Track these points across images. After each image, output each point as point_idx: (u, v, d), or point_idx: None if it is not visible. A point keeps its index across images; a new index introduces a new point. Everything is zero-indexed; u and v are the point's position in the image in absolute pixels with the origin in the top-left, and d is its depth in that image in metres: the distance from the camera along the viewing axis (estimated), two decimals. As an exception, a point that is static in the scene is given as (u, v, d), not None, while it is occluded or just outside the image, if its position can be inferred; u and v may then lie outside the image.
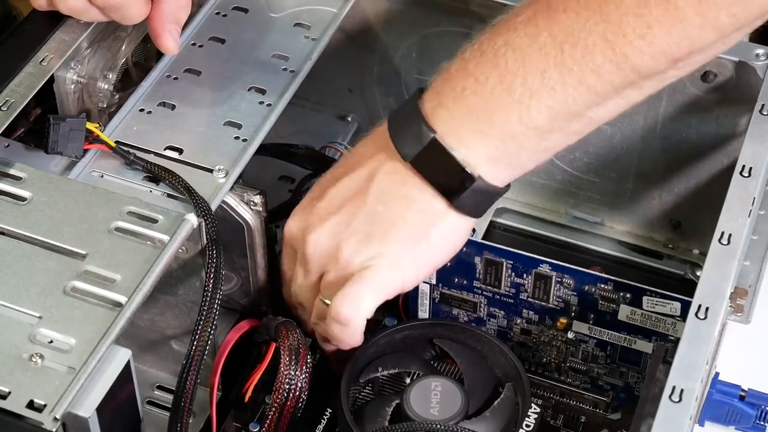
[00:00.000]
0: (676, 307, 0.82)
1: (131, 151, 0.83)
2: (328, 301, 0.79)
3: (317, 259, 0.80)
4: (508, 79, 0.73)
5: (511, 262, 0.87)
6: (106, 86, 0.90)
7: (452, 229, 0.78)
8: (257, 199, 0.83)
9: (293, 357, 0.80)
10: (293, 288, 0.83)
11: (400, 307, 0.93)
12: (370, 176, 0.78)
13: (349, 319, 0.78)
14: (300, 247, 0.81)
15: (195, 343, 0.76)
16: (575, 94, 0.73)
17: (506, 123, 0.74)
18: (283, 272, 0.85)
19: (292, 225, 0.82)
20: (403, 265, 0.78)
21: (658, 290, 0.83)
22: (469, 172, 0.75)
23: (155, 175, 0.81)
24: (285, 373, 0.80)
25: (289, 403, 0.80)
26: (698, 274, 0.98)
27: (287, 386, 0.80)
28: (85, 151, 0.83)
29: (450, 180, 0.76)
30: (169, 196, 0.81)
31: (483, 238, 0.99)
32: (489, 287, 0.89)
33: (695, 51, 0.71)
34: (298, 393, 0.80)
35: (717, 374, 0.81)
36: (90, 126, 0.83)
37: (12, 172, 0.81)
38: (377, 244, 0.78)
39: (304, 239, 0.80)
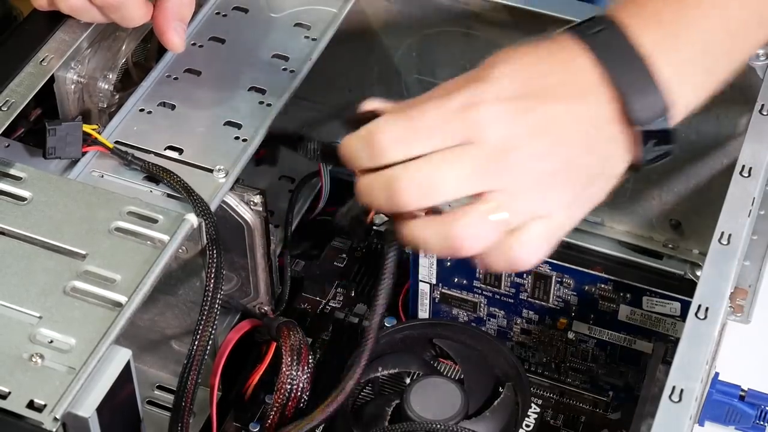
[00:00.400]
0: (676, 307, 0.82)
1: (130, 151, 0.83)
2: (500, 218, 0.67)
3: (514, 173, 0.68)
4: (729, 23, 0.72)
5: (511, 262, 0.87)
6: (106, 86, 0.90)
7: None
8: (257, 199, 0.83)
9: (295, 357, 0.80)
10: (429, 170, 0.68)
11: (399, 307, 0.93)
12: (582, 119, 0.69)
13: (530, 261, 0.70)
14: (497, 146, 0.68)
15: (196, 343, 0.76)
16: None
17: (723, 66, 0.73)
18: (421, 124, 0.69)
19: (496, 115, 0.68)
20: (578, 219, 0.72)
21: (658, 290, 0.83)
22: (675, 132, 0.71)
23: (154, 175, 0.81)
24: (287, 373, 0.80)
25: (290, 403, 0.80)
26: (698, 274, 0.98)
27: (289, 386, 0.80)
28: (85, 152, 0.83)
29: (660, 148, 0.71)
30: (169, 196, 0.81)
31: (483, 238, 0.99)
32: (489, 287, 0.89)
33: None
34: (299, 393, 0.80)
35: (717, 374, 0.81)
36: (87, 128, 0.82)
37: (12, 172, 0.81)
38: (574, 203, 0.70)
39: (510, 145, 0.68)
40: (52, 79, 0.87)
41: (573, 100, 0.70)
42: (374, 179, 0.69)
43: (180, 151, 0.84)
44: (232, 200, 0.83)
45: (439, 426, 0.79)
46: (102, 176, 0.82)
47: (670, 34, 0.71)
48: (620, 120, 0.70)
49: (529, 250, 0.69)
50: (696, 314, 0.72)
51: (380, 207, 0.70)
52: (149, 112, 0.87)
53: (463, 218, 0.67)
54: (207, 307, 0.77)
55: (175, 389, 0.77)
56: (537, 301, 0.88)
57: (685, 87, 0.72)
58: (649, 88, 0.70)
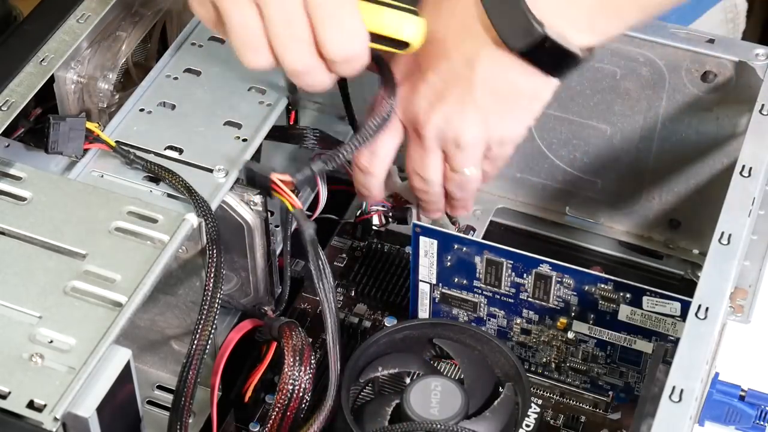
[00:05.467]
0: (676, 307, 0.82)
1: (131, 150, 0.83)
2: (458, 170, 0.83)
3: (437, 141, 0.82)
4: None
5: (512, 262, 0.87)
6: (106, 86, 0.90)
7: (547, 100, 0.81)
8: (257, 199, 0.83)
9: (297, 358, 0.80)
10: (410, 162, 0.85)
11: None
12: (470, 62, 0.79)
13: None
14: (415, 128, 0.83)
15: (195, 343, 0.76)
16: None
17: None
18: (375, 142, 0.84)
19: (402, 105, 0.83)
20: (518, 134, 0.83)
21: (657, 290, 0.83)
22: (576, 53, 0.77)
23: (155, 174, 0.81)
24: (289, 374, 0.80)
25: (292, 404, 0.80)
26: (698, 274, 0.98)
27: (291, 387, 0.80)
28: (85, 151, 0.83)
29: (557, 63, 0.78)
30: (169, 196, 0.81)
31: (483, 238, 0.99)
32: (489, 287, 0.89)
33: None
34: (301, 394, 0.80)
35: (717, 374, 0.81)
36: (90, 125, 0.83)
37: (12, 172, 0.81)
38: (494, 126, 0.81)
39: (419, 123, 0.82)
40: (52, 79, 0.87)
41: (456, 51, 0.79)
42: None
43: (180, 151, 0.84)
44: (232, 200, 0.83)
45: (439, 426, 0.79)
46: (102, 176, 0.82)
47: None
48: (502, 47, 0.77)
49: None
50: (696, 314, 0.72)
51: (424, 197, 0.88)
52: (149, 112, 0.87)
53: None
54: (206, 307, 0.77)
55: (174, 389, 0.77)
56: (537, 301, 0.88)
57: (567, 22, 0.76)
58: (517, 17, 0.76)
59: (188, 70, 0.90)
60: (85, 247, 0.76)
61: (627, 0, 0.78)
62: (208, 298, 0.77)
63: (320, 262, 0.80)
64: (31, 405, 0.68)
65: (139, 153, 0.83)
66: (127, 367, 0.72)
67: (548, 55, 0.77)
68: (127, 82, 0.93)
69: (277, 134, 0.92)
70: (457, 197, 0.86)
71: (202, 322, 0.77)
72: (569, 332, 0.88)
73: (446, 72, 0.80)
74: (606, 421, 0.90)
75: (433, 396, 0.81)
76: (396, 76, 0.83)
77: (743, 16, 1.18)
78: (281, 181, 0.81)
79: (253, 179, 0.82)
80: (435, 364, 0.88)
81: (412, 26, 0.76)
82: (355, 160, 0.86)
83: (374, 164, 0.85)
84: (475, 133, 0.81)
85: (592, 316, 0.86)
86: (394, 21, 0.76)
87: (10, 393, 0.68)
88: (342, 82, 0.95)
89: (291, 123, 0.96)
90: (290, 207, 0.81)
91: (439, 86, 0.80)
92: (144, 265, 0.75)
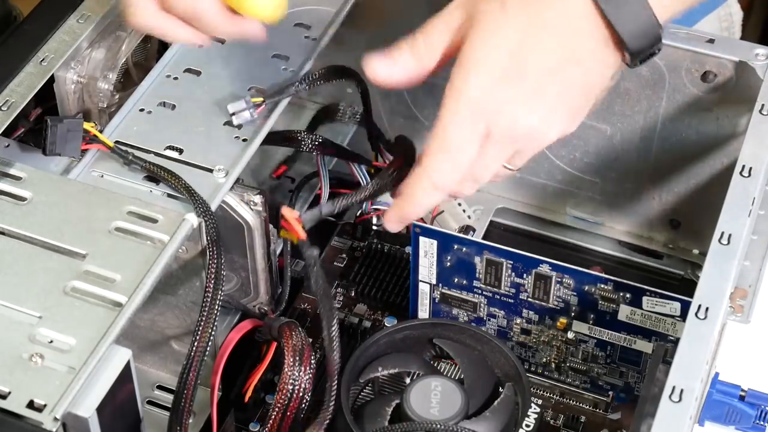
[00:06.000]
0: (676, 307, 0.82)
1: (130, 151, 0.83)
2: (513, 168, 0.79)
3: (524, 141, 0.77)
4: None
5: (511, 262, 0.87)
6: (106, 86, 0.90)
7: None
8: (257, 199, 0.83)
9: (297, 358, 0.80)
10: (479, 164, 0.77)
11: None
12: (577, 62, 0.75)
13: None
14: (507, 127, 0.75)
15: (195, 343, 0.76)
16: None
17: None
18: (459, 148, 0.76)
19: (494, 103, 0.75)
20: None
21: (657, 290, 0.83)
22: (660, 32, 0.75)
23: (155, 175, 0.81)
24: (289, 374, 0.80)
25: (292, 404, 0.80)
26: (698, 274, 0.98)
27: (291, 387, 0.80)
28: (85, 151, 0.83)
29: (645, 44, 0.75)
30: (169, 196, 0.81)
31: (483, 238, 0.99)
32: (489, 287, 0.89)
33: None
34: (301, 394, 0.80)
35: (717, 374, 0.81)
36: (87, 126, 0.82)
37: (12, 172, 0.81)
38: (572, 120, 0.77)
39: (515, 123, 0.75)
40: (52, 79, 0.87)
41: (564, 49, 0.74)
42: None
43: (180, 151, 0.84)
44: (232, 200, 0.83)
45: (439, 426, 0.79)
46: (102, 176, 0.82)
47: None
48: (617, 48, 0.74)
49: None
50: (696, 314, 0.72)
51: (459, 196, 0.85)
52: (149, 112, 0.87)
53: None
54: (207, 308, 0.77)
55: (174, 389, 0.77)
56: (537, 301, 0.88)
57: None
58: (641, 16, 0.73)
59: (188, 70, 0.90)
60: (85, 247, 0.76)
61: None
62: (209, 299, 0.77)
63: (321, 289, 0.81)
64: (31, 405, 0.68)
65: (139, 153, 0.83)
66: (127, 367, 0.72)
67: (650, 54, 0.75)
68: (127, 82, 0.93)
69: (275, 139, 0.92)
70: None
71: (202, 323, 0.77)
72: (569, 332, 0.88)
73: (547, 70, 0.74)
74: (606, 421, 0.90)
75: (433, 396, 0.81)
76: (487, 72, 0.75)
77: (738, 25, 1.18)
78: (290, 217, 0.82)
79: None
80: (435, 364, 0.88)
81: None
82: (433, 179, 0.77)
83: (458, 182, 0.78)
84: (560, 133, 0.77)
85: (592, 316, 0.86)
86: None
87: (10, 393, 0.68)
88: (364, 97, 0.94)
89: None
90: (295, 240, 0.82)
91: (541, 81, 0.74)
92: (144, 265, 0.75)
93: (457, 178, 0.77)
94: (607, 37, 0.74)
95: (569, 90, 0.75)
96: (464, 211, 1.01)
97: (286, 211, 0.82)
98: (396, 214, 0.80)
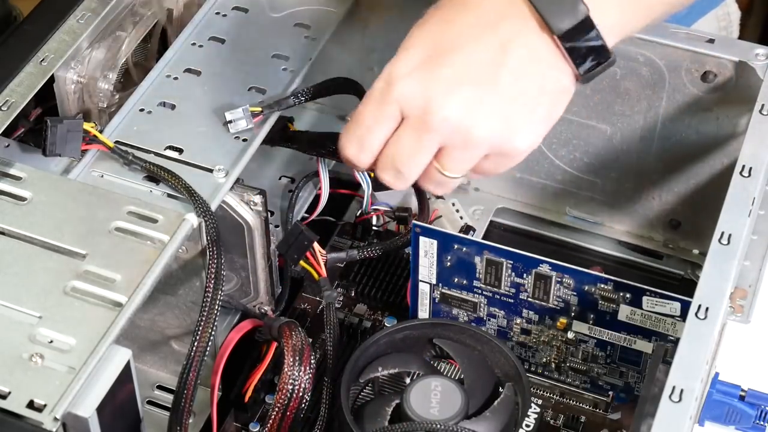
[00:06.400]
0: (676, 307, 0.82)
1: (130, 151, 0.83)
2: (448, 174, 0.76)
3: (443, 133, 0.74)
4: None
5: (511, 262, 0.87)
6: (106, 86, 0.90)
7: (565, 106, 0.77)
8: (257, 199, 0.83)
9: (297, 358, 0.80)
10: (392, 150, 0.76)
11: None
12: (503, 47, 0.73)
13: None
14: (420, 115, 0.74)
15: (195, 343, 0.76)
16: None
17: None
18: (366, 125, 0.76)
19: (409, 86, 0.74)
20: (533, 145, 0.76)
21: (657, 290, 0.83)
22: (609, 48, 0.74)
23: (155, 175, 0.81)
24: (289, 373, 0.80)
25: (292, 404, 0.80)
26: (698, 274, 0.98)
27: (291, 387, 0.80)
28: (85, 151, 0.83)
29: (589, 57, 0.74)
30: (169, 195, 0.81)
31: (483, 238, 0.99)
32: (489, 287, 0.89)
33: None
34: (301, 394, 0.80)
35: (717, 374, 0.81)
36: (87, 126, 0.82)
37: (12, 172, 0.81)
38: (513, 129, 0.74)
39: (429, 108, 0.73)
40: (52, 79, 0.87)
41: (488, 33, 0.73)
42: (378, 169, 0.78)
43: (180, 151, 0.84)
44: (232, 200, 0.83)
45: (439, 426, 0.79)
46: (102, 176, 0.82)
47: None
48: (544, 33, 0.73)
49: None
50: (696, 314, 0.72)
51: (390, 185, 0.79)
52: (149, 112, 0.87)
53: (423, 182, 0.78)
54: (207, 309, 0.77)
55: (174, 389, 0.77)
56: (537, 301, 0.88)
57: (606, 4, 0.74)
58: None
59: (188, 70, 0.90)
60: (85, 247, 0.76)
61: None
62: (209, 299, 0.77)
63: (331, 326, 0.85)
64: (31, 405, 0.68)
65: (139, 153, 0.83)
66: (127, 367, 0.72)
67: (585, 47, 0.74)
68: (127, 82, 0.93)
69: (276, 138, 0.92)
70: (426, 189, 0.80)
71: (202, 323, 0.77)
72: (569, 332, 0.88)
73: (473, 55, 0.73)
74: (606, 421, 0.90)
75: (433, 396, 0.81)
76: (408, 56, 0.75)
77: (737, 24, 1.18)
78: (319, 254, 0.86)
79: (295, 237, 0.86)
80: (435, 364, 0.88)
81: None
82: (342, 151, 0.78)
83: (362, 159, 0.77)
84: (491, 131, 0.73)
85: (592, 316, 0.86)
86: None
87: (10, 393, 0.68)
88: None
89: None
90: (316, 276, 0.87)
91: (461, 71, 0.73)
92: (144, 265, 0.75)
93: (366, 158, 0.76)
94: (533, 20, 0.73)
95: (498, 81, 0.73)
96: (461, 217, 1.01)
97: (317, 247, 0.86)
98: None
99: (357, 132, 0.76)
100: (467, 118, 0.73)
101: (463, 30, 0.74)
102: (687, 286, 0.96)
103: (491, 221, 1.03)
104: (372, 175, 0.86)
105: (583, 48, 0.74)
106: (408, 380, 0.87)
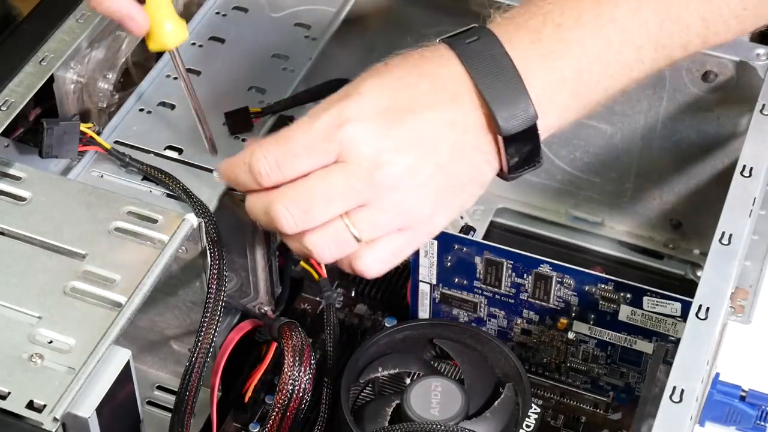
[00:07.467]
0: (677, 307, 0.82)
1: (129, 151, 0.83)
2: (354, 232, 0.72)
3: (378, 190, 0.71)
4: (607, 55, 0.73)
5: (512, 262, 0.87)
6: (106, 86, 0.90)
7: (479, 196, 0.76)
8: (257, 199, 0.83)
9: (297, 358, 0.80)
10: (314, 185, 0.71)
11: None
12: (453, 126, 0.72)
13: (372, 274, 0.74)
14: (364, 164, 0.71)
15: (198, 344, 0.76)
16: (660, 66, 0.75)
17: (592, 93, 0.74)
18: (293, 151, 0.71)
19: (361, 133, 0.71)
20: (441, 228, 0.75)
21: (658, 290, 0.82)
22: (543, 150, 0.74)
23: (152, 177, 0.81)
24: (289, 374, 0.80)
25: (292, 404, 0.80)
26: (699, 274, 0.98)
27: (291, 387, 0.80)
28: (82, 152, 0.83)
29: (526, 158, 0.73)
30: (168, 196, 0.81)
31: (483, 238, 0.99)
32: (489, 287, 0.89)
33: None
34: (301, 394, 0.80)
35: (717, 374, 0.81)
36: (84, 128, 0.82)
37: (12, 172, 0.81)
38: (437, 207, 0.73)
39: (378, 162, 0.70)
40: (51, 79, 0.87)
41: (441, 107, 0.72)
42: (256, 201, 0.73)
43: (180, 151, 0.84)
44: (232, 200, 0.83)
45: (439, 426, 0.79)
46: (102, 176, 0.82)
47: (546, 52, 0.73)
48: (488, 128, 0.72)
49: (374, 264, 0.73)
50: (697, 314, 0.72)
51: (265, 227, 0.75)
52: (149, 112, 0.87)
53: (317, 233, 0.72)
54: (210, 309, 0.77)
55: (175, 389, 0.77)
56: (537, 302, 0.88)
57: (551, 106, 0.73)
58: (516, 98, 0.72)
59: (188, 70, 0.90)
60: (85, 248, 0.76)
61: (597, 82, 0.74)
62: (212, 299, 0.77)
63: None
64: (30, 405, 0.68)
65: (138, 153, 0.83)
66: (127, 367, 0.72)
67: (523, 151, 0.73)
68: (127, 82, 0.93)
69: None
70: (313, 245, 0.73)
71: (205, 324, 0.77)
72: (569, 332, 0.88)
73: (428, 124, 0.72)
74: (606, 422, 0.90)
75: (434, 396, 0.81)
76: (363, 102, 0.72)
77: None
78: None
79: None
80: (435, 365, 0.88)
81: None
82: (249, 166, 0.72)
83: (269, 178, 0.72)
84: (420, 203, 0.72)
85: (592, 316, 0.86)
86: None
87: (9, 393, 0.68)
88: None
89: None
90: (316, 276, 0.86)
91: (415, 135, 0.71)
92: (144, 266, 0.75)
93: (272, 179, 0.72)
94: (482, 113, 0.72)
95: (440, 158, 0.72)
96: (462, 217, 1.01)
97: None
98: (222, 166, 0.75)
99: (276, 153, 0.71)
100: (406, 183, 0.71)
101: (420, 96, 0.72)
102: (688, 287, 0.96)
103: (491, 221, 1.03)
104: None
105: (522, 151, 0.73)
106: (408, 380, 0.87)
